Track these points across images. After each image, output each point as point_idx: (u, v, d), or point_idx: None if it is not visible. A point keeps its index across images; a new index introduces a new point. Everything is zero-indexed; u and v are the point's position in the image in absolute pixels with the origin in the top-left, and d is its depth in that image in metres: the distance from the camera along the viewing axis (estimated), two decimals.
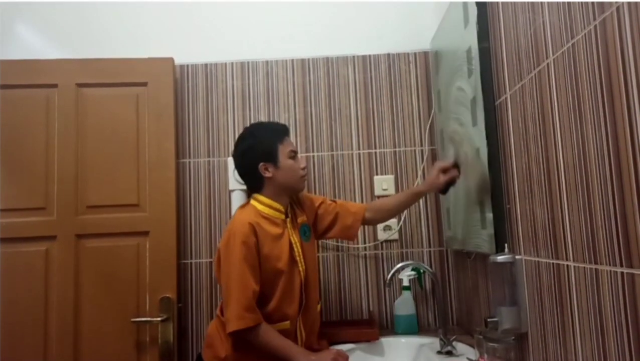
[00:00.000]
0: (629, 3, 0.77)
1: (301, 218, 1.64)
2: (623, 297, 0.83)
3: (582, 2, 0.91)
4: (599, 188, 0.88)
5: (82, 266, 1.90)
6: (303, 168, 1.59)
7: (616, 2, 0.80)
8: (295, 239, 1.56)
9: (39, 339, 1.84)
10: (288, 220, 1.59)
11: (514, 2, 1.22)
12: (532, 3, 1.11)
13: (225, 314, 1.44)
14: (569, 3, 0.95)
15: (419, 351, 1.72)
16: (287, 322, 1.51)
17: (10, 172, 1.91)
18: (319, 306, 1.66)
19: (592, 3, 0.87)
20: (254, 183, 1.59)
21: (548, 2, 1.04)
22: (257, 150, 1.55)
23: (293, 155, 1.58)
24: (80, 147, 1.95)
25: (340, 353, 1.46)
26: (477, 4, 1.41)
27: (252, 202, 1.58)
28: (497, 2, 1.33)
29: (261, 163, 1.54)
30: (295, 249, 1.55)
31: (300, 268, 1.54)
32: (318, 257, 2.03)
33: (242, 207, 1.60)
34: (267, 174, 1.54)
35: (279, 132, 1.60)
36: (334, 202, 1.73)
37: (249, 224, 1.46)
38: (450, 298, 2.02)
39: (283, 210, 1.58)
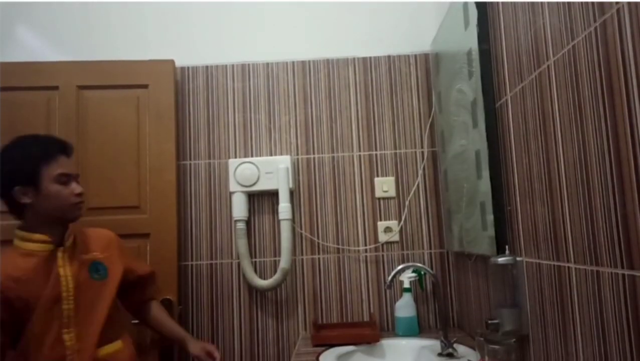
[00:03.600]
0: (629, 4, 0.77)
1: (92, 255, 1.45)
2: (624, 299, 0.83)
3: (582, 4, 0.91)
4: (599, 190, 0.88)
5: None
6: (78, 195, 1.38)
7: (617, 3, 0.80)
8: (67, 273, 1.36)
9: None
10: (61, 250, 1.38)
11: (514, 4, 1.22)
12: (532, 5, 1.12)
13: None
14: (569, 5, 0.95)
15: (419, 353, 1.71)
16: None
17: None
18: (103, 351, 1.41)
19: (593, 4, 0.87)
20: (12, 208, 1.36)
21: (548, 4, 1.04)
22: (14, 170, 1.32)
23: (64, 179, 1.36)
24: (81, 149, 1.95)
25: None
26: (477, 5, 1.41)
27: (15, 240, 1.36)
28: (498, 4, 1.33)
29: (17, 187, 1.31)
30: (64, 284, 1.35)
31: (65, 307, 1.34)
32: (317, 258, 2.03)
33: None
34: (25, 200, 1.32)
35: (47, 151, 1.35)
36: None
37: None
38: (451, 300, 2.02)
39: (50, 239, 1.36)
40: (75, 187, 1.40)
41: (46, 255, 1.35)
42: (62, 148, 1.40)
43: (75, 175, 1.43)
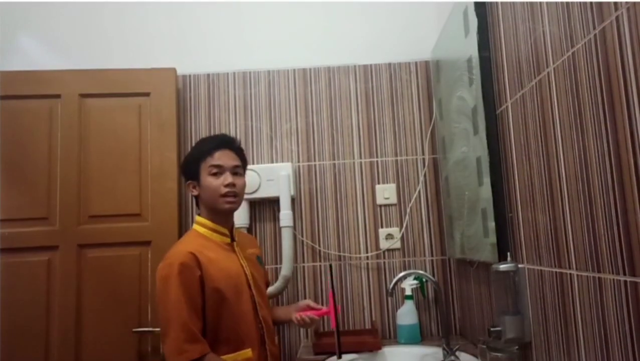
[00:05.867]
0: (628, 12, 0.77)
1: (253, 250, 1.60)
2: (626, 306, 0.82)
3: (581, 12, 0.91)
4: (600, 196, 0.88)
5: (84, 276, 1.90)
6: (226, 185, 1.45)
7: (617, 3, 0.81)
8: (245, 263, 1.50)
9: (40, 349, 1.84)
10: (235, 244, 1.53)
11: (514, 12, 1.23)
12: (532, 12, 1.12)
13: (163, 348, 1.35)
14: (568, 12, 0.96)
15: None
16: (248, 350, 1.41)
17: (13, 182, 1.92)
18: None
19: (592, 12, 0.88)
20: (195, 202, 1.56)
21: (548, 12, 1.05)
22: (185, 167, 1.53)
23: (215, 171, 1.46)
24: (83, 157, 1.96)
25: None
26: (478, 13, 1.42)
27: (194, 225, 1.52)
28: (497, 12, 1.34)
29: (188, 181, 1.51)
30: (247, 273, 1.48)
31: (254, 293, 1.47)
32: (319, 266, 2.03)
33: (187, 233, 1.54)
34: (194, 192, 1.51)
35: (206, 147, 1.50)
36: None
37: (190, 254, 1.37)
38: (453, 307, 2.02)
39: (227, 233, 1.52)
40: (226, 178, 1.47)
41: (226, 247, 1.50)
42: (218, 143, 1.51)
43: (233, 166, 1.50)
